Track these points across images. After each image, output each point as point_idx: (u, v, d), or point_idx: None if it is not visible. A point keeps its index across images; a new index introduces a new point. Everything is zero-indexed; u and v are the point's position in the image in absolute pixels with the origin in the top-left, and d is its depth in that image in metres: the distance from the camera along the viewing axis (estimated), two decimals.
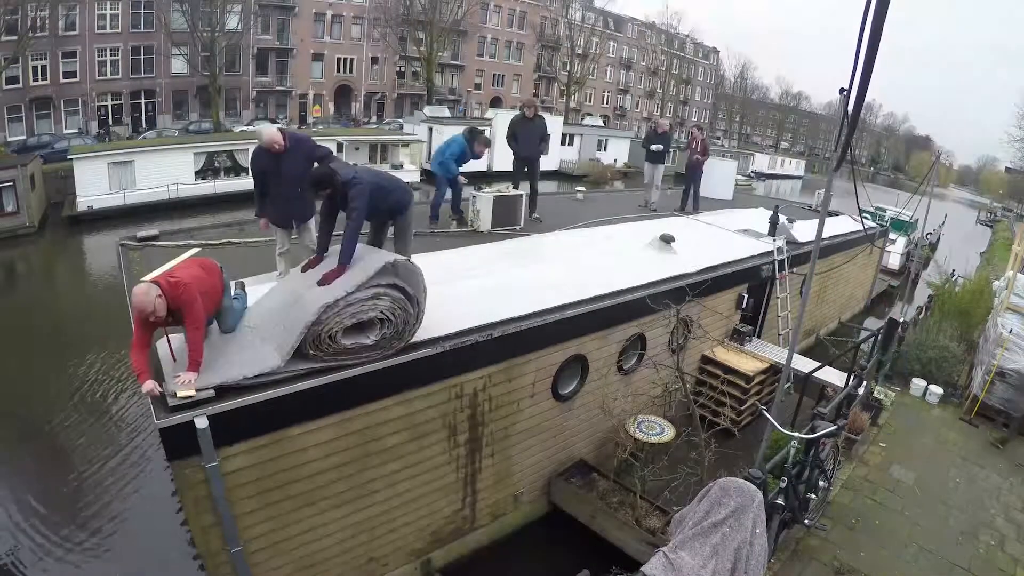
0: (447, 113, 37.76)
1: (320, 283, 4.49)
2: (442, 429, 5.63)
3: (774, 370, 8.68)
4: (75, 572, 6.36)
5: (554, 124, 38.94)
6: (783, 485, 4.96)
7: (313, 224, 5.53)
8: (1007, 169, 62.01)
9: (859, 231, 12.77)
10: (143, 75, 34.19)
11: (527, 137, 9.30)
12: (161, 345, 4.58)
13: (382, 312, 4.57)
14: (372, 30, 42.94)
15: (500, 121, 35.09)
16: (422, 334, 5.09)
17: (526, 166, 9.60)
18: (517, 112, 9.62)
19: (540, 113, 9.54)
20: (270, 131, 5.11)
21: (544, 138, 9.59)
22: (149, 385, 3.95)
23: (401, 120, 41.74)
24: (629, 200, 12.73)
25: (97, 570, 6.43)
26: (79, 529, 6.88)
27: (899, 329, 10.26)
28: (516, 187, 9.61)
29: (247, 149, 23.42)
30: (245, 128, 33.20)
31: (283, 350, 4.33)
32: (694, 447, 6.54)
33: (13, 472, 7.87)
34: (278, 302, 4.75)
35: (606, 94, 64.29)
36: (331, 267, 4.60)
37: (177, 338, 4.47)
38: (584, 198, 13.07)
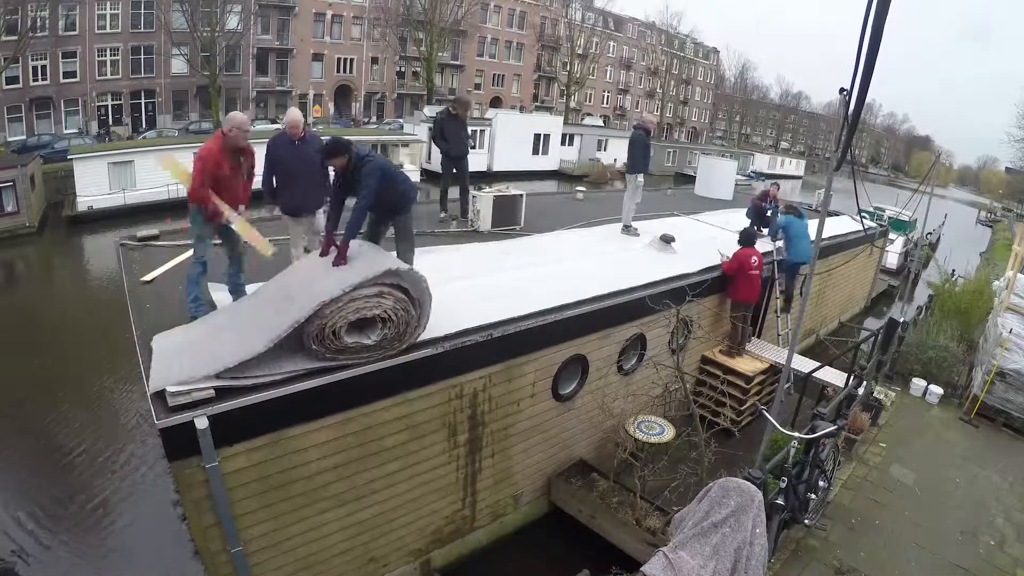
0: None
1: (334, 263, 4.63)
2: (442, 429, 5.63)
3: (774, 370, 8.68)
4: (76, 572, 6.36)
5: (554, 124, 39.11)
6: (783, 485, 4.96)
7: (322, 214, 5.77)
8: (1007, 169, 62.06)
9: (859, 231, 12.77)
10: (143, 75, 34.18)
11: (456, 135, 8.81)
12: (157, 341, 4.60)
13: (385, 311, 4.55)
14: (372, 30, 42.93)
15: (500, 121, 35.20)
16: (422, 334, 5.10)
17: (455, 166, 9.01)
18: (442, 109, 9.11)
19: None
20: (296, 112, 5.50)
21: (468, 136, 9.14)
22: (228, 213, 4.64)
23: (401, 120, 41.76)
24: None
25: (97, 570, 6.43)
26: (79, 529, 6.89)
27: (899, 329, 10.25)
28: (446, 190, 9.27)
29: None
30: None
31: (269, 336, 4.28)
32: (694, 447, 6.54)
33: (11, 472, 7.87)
34: (285, 287, 4.76)
35: (606, 94, 64.26)
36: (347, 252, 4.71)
37: (174, 337, 4.48)
38: (584, 198, 13.08)
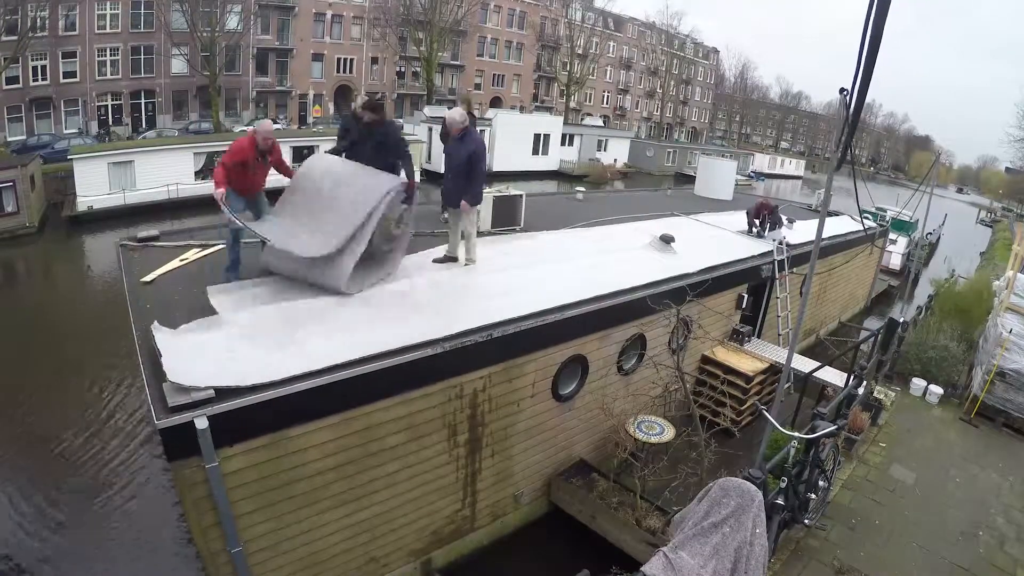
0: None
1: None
2: (442, 429, 5.63)
3: (774, 370, 8.68)
4: (76, 571, 6.36)
5: (554, 124, 39.10)
6: (783, 485, 4.96)
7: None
8: (1007, 169, 62.06)
9: (859, 231, 12.78)
10: (143, 75, 34.18)
11: None
12: (161, 339, 4.60)
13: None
14: (372, 30, 42.92)
15: (500, 121, 35.18)
16: (422, 334, 5.10)
17: None
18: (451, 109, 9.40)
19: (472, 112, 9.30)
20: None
21: None
22: (220, 191, 5.27)
23: (401, 120, 41.73)
24: (629, 200, 12.72)
25: (98, 570, 6.43)
26: (80, 528, 6.88)
27: (899, 329, 10.25)
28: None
29: None
30: (245, 128, 33.18)
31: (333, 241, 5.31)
32: (694, 447, 6.54)
33: (11, 472, 7.86)
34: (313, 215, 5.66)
35: (606, 94, 64.25)
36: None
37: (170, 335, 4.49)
38: (584, 198, 13.08)
